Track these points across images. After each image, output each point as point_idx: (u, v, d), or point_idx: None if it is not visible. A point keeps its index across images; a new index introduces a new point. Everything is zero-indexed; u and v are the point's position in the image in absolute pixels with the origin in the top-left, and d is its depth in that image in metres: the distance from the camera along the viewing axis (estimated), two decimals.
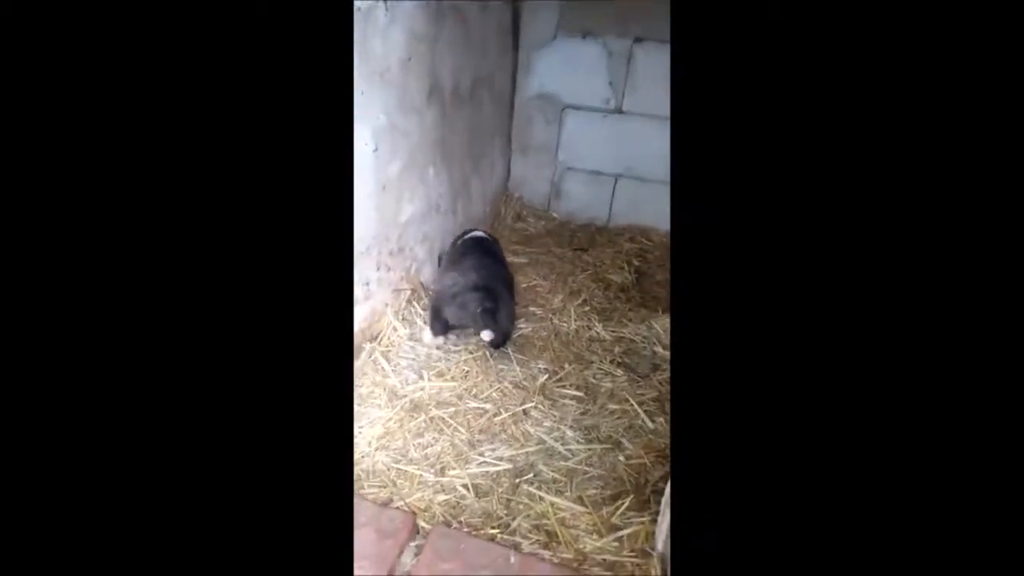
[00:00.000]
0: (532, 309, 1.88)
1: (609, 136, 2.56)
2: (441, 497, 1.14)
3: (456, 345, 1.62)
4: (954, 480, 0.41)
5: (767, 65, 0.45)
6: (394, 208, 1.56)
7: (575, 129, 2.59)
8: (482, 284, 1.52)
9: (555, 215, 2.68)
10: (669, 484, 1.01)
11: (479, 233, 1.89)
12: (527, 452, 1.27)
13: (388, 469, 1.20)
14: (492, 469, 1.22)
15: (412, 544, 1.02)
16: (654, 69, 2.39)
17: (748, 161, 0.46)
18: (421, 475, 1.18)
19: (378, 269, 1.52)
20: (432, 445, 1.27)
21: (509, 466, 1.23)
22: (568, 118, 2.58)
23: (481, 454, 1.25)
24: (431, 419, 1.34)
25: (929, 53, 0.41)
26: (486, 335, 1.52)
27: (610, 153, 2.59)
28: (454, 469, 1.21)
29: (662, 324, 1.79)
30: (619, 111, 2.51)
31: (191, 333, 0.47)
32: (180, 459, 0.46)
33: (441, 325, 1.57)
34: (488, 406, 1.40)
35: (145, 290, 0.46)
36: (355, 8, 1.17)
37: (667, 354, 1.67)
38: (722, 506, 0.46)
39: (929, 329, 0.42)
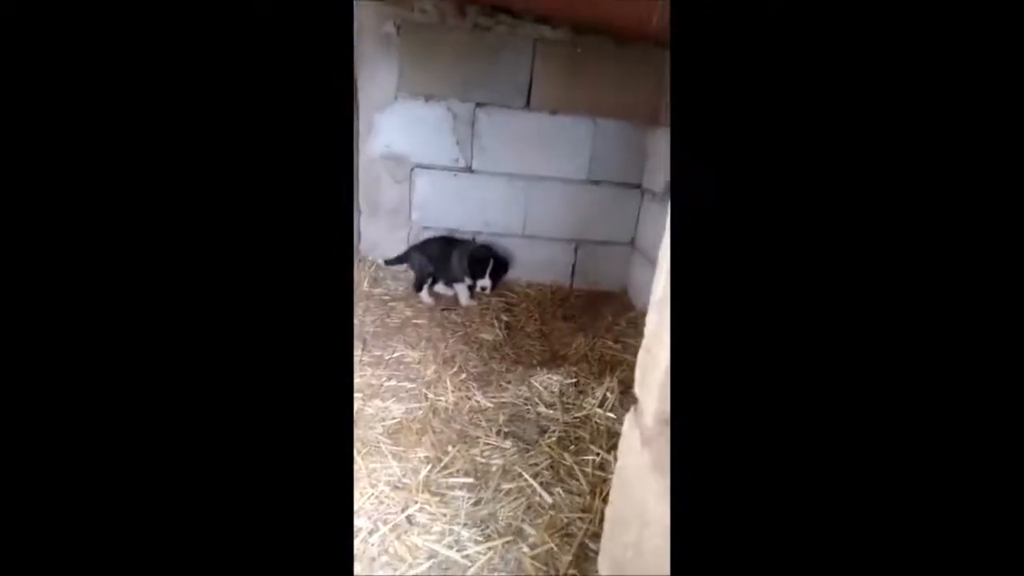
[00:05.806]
0: (404, 384, 1.68)
1: (463, 194, 2.55)
2: None
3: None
4: (946, 482, 0.40)
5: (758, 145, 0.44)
6: None
7: (427, 188, 2.53)
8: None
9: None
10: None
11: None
12: None
13: None
14: None
15: None
16: (498, 130, 2.48)
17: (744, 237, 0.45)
18: None
19: None
20: None
21: None
22: (419, 178, 2.51)
23: None
24: None
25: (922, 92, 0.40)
26: None
27: (466, 210, 2.57)
28: None
29: (541, 381, 1.74)
30: (469, 170, 2.53)
31: (192, 335, 0.45)
32: (182, 460, 0.45)
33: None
34: (362, 523, 1.14)
35: (141, 294, 0.45)
36: None
37: (551, 412, 1.61)
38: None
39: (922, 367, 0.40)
